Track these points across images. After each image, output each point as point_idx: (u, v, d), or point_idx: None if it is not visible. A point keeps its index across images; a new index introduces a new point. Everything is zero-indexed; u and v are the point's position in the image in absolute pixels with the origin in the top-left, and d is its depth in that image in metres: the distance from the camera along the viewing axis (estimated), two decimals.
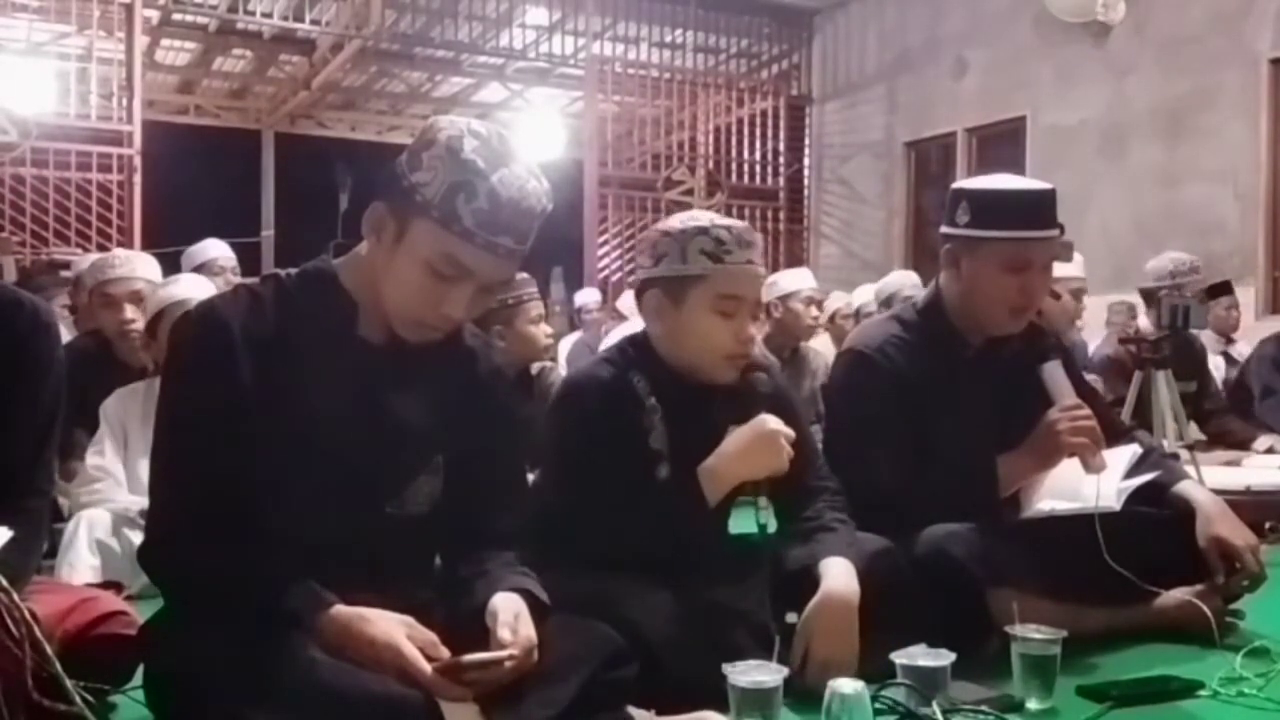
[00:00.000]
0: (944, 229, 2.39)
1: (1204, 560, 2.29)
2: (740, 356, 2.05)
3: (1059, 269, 4.90)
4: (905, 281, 5.62)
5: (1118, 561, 2.17)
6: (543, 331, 3.55)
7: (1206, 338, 4.99)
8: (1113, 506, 2.18)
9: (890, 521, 2.16)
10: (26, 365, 1.66)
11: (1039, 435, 2.24)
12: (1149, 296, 4.22)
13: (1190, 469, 3.43)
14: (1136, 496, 2.28)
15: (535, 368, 3.72)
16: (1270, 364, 4.61)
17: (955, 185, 2.42)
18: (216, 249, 5.09)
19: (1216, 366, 4.89)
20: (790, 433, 2.00)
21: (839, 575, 1.94)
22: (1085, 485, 2.20)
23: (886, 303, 5.28)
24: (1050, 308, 3.96)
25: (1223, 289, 4.21)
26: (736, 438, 2.00)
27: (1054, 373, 2.29)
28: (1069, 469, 2.29)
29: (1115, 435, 2.41)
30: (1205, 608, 2.23)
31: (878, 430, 2.29)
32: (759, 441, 1.98)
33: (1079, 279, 4.15)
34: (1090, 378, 3.32)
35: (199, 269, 4.68)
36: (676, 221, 2.06)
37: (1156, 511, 2.36)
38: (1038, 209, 2.30)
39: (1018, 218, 2.28)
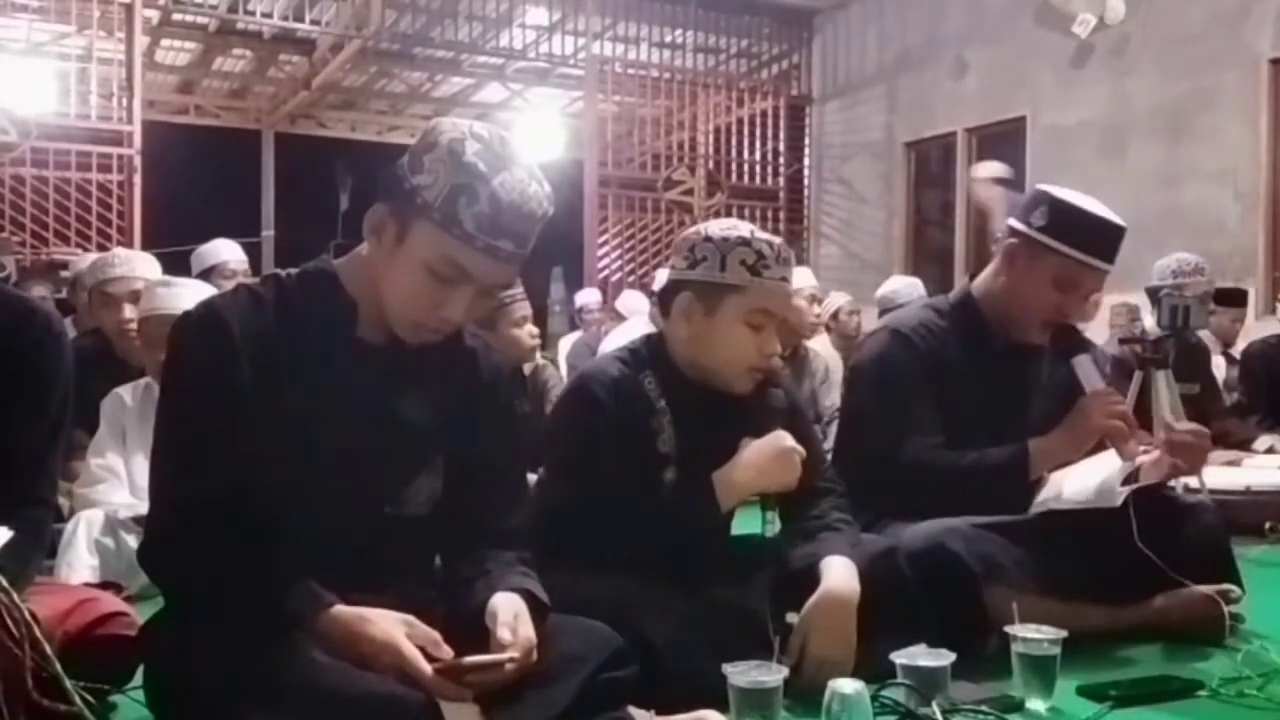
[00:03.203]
0: (1013, 224, 2.41)
1: (1209, 558, 2.29)
2: (761, 370, 2.06)
3: None
4: (901, 284, 5.64)
5: (1126, 558, 2.19)
6: (528, 333, 3.53)
7: (1206, 338, 4.99)
8: (1113, 503, 2.19)
9: (909, 501, 2.17)
10: (36, 373, 1.66)
11: (1072, 418, 2.27)
12: (1153, 295, 4.23)
13: None
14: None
15: (528, 368, 3.71)
16: (1249, 376, 4.62)
17: (1040, 187, 2.44)
18: (229, 251, 4.74)
19: (1217, 366, 4.88)
20: (803, 451, 2.01)
21: (839, 574, 1.94)
22: (1087, 481, 2.22)
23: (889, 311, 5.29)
24: None
25: (1236, 299, 4.20)
26: (754, 451, 2.00)
27: (1085, 364, 2.33)
28: (1072, 469, 2.30)
29: None
30: (1219, 603, 2.24)
31: (908, 405, 2.31)
32: (776, 458, 1.99)
33: None
34: None
35: (209, 271, 4.48)
36: (718, 228, 2.06)
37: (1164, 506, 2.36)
38: (1109, 240, 2.34)
39: (1089, 241, 2.31)
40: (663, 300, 2.12)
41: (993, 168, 6.34)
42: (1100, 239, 2.32)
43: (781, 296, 2.07)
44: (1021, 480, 2.28)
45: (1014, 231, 2.39)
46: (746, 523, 2.13)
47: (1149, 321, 4.29)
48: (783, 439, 2.00)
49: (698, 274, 2.03)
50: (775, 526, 2.00)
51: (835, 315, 5.99)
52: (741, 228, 2.06)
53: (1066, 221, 2.32)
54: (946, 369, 2.34)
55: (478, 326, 3.22)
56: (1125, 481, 2.25)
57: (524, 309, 3.51)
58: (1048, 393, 2.36)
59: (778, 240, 2.07)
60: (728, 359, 2.04)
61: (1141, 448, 2.34)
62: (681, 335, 2.07)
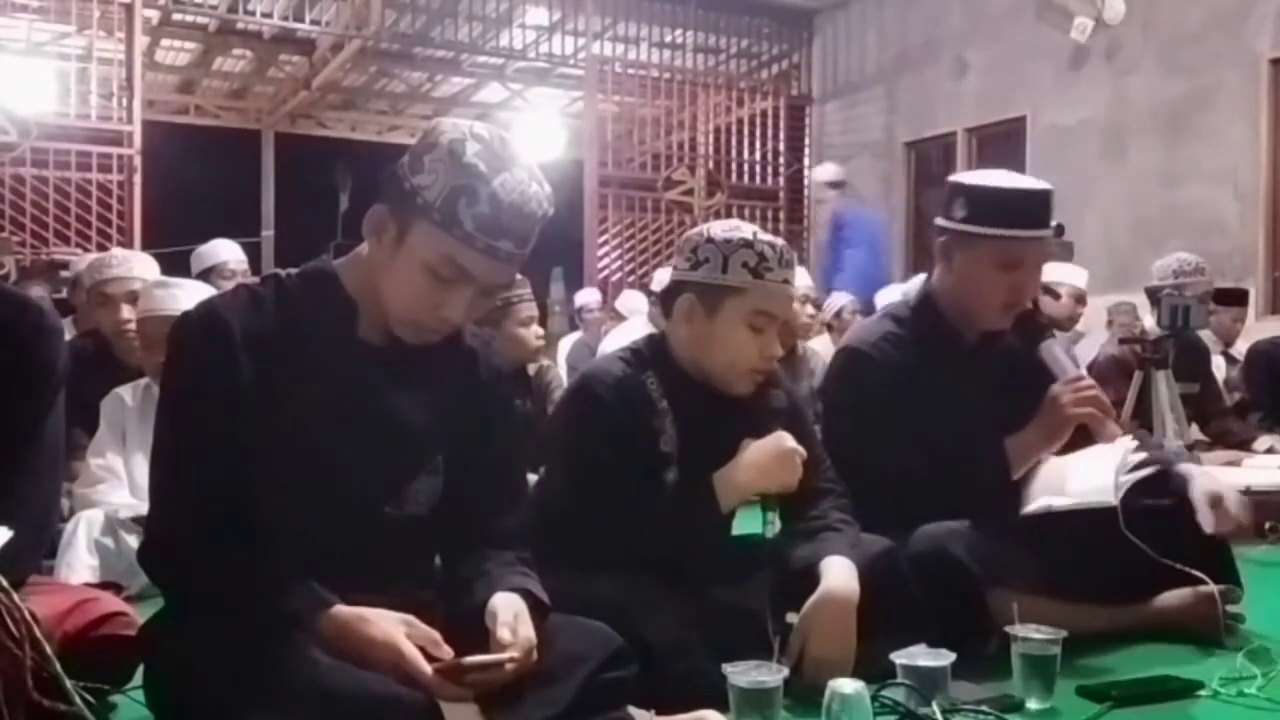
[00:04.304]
0: (939, 222, 2.41)
1: (1209, 558, 2.29)
2: (763, 372, 2.06)
3: (1061, 271, 4.95)
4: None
5: (1126, 557, 2.18)
6: (533, 334, 3.53)
7: (1206, 338, 5.00)
8: (1110, 501, 2.18)
9: (896, 516, 2.16)
10: (29, 368, 1.66)
11: (1045, 410, 2.25)
12: (1153, 295, 4.23)
13: None
14: (1143, 491, 2.28)
15: (532, 368, 3.71)
16: (1252, 375, 4.63)
17: (952, 179, 2.43)
18: (228, 251, 4.74)
19: (1217, 366, 4.90)
20: (804, 452, 2.01)
21: (839, 575, 1.94)
22: (1084, 480, 2.21)
23: None
24: (1049, 307, 3.99)
25: (1236, 299, 4.21)
26: (755, 452, 2.00)
27: (1052, 349, 2.31)
28: (1066, 464, 2.30)
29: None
30: (1218, 603, 2.24)
31: (879, 424, 2.29)
32: (777, 458, 1.99)
33: (1079, 287, 4.21)
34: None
35: (209, 271, 4.49)
36: (720, 230, 2.06)
37: (1166, 503, 2.36)
38: (1034, 208, 2.31)
39: (1014, 216, 2.29)
40: (664, 301, 2.12)
41: (827, 171, 6.56)
42: (1025, 209, 2.30)
43: (783, 299, 2.06)
44: (1004, 481, 2.27)
45: (942, 229, 2.39)
46: (746, 523, 2.13)
47: (1148, 321, 4.29)
48: (784, 440, 2.01)
49: (700, 275, 2.03)
50: (775, 527, 2.00)
51: (839, 314, 5.98)
52: (744, 229, 2.05)
53: (986, 205, 2.30)
54: (914, 377, 2.31)
55: (482, 324, 3.24)
56: (1129, 473, 2.25)
57: (530, 309, 3.50)
58: (1022, 383, 2.34)
59: (780, 242, 2.07)
60: (729, 361, 2.04)
61: (1132, 440, 2.33)
62: (683, 336, 2.07)
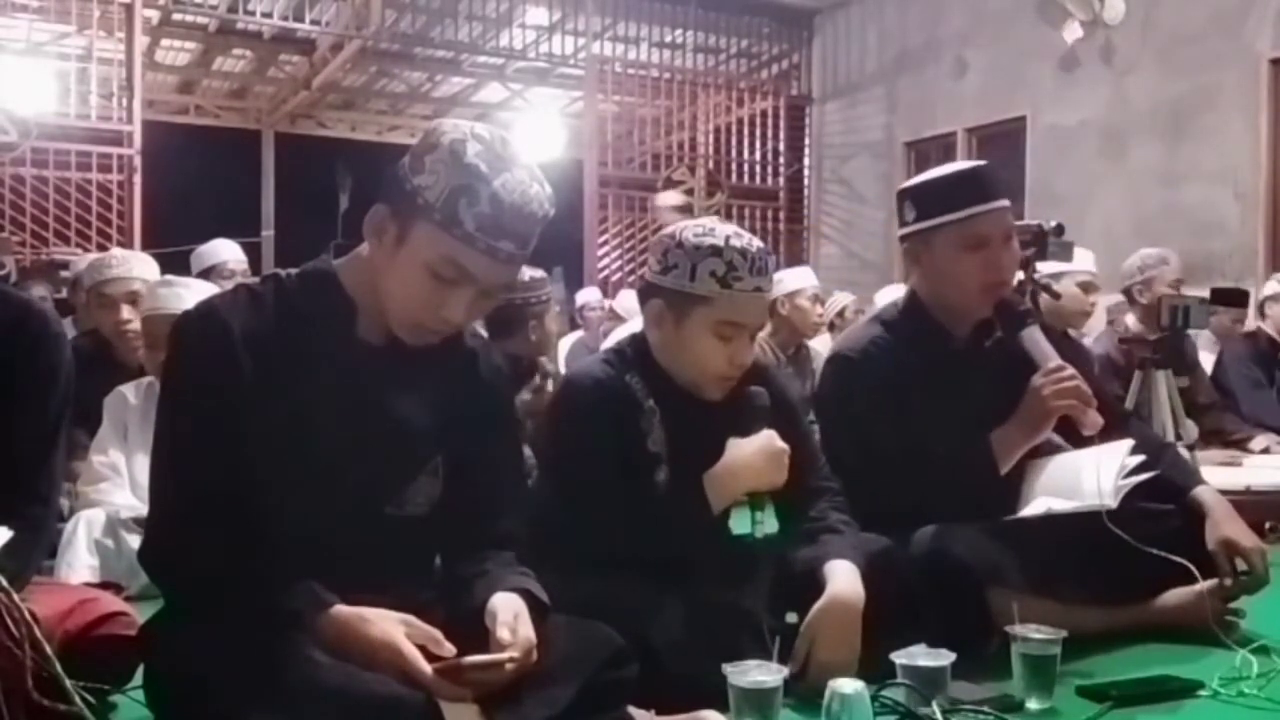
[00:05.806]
0: (899, 232, 2.45)
1: (1208, 558, 2.29)
2: (730, 379, 2.04)
3: (1065, 263, 4.88)
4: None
5: (1125, 559, 2.17)
6: (559, 330, 3.62)
7: (1205, 338, 4.99)
8: (1109, 504, 2.17)
9: (894, 518, 2.16)
10: (36, 373, 1.67)
11: (1026, 402, 2.26)
12: (1128, 294, 4.24)
13: None
14: (1148, 494, 2.28)
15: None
16: (1248, 361, 4.62)
17: (898, 189, 2.47)
18: (228, 250, 4.76)
19: (1208, 366, 4.89)
20: (787, 449, 2.00)
21: (844, 579, 1.94)
22: (1083, 483, 2.21)
23: None
24: (1062, 301, 3.97)
25: (1236, 299, 4.20)
26: (742, 452, 1.99)
27: (1033, 336, 2.31)
28: (1066, 466, 2.29)
29: (1113, 420, 2.41)
30: (1214, 604, 2.24)
31: (872, 429, 2.29)
32: (764, 458, 1.98)
33: (1088, 273, 4.17)
34: None
35: (208, 271, 4.49)
36: (691, 234, 2.00)
37: (1163, 506, 2.36)
38: (977, 184, 2.34)
39: (957, 198, 2.32)
40: (640, 301, 2.11)
41: (671, 197, 6.95)
42: (965, 189, 2.33)
43: (753, 307, 2.01)
44: (992, 476, 2.26)
45: (903, 238, 2.42)
46: (745, 522, 2.13)
47: (1130, 320, 4.29)
48: (771, 439, 1.99)
49: (669, 281, 2.01)
50: (765, 526, 1.99)
51: (841, 314, 5.99)
52: (717, 234, 1.99)
53: (930, 198, 2.35)
54: (903, 379, 2.31)
55: (528, 320, 3.31)
56: (1128, 477, 2.24)
57: (554, 306, 3.59)
58: (1016, 377, 2.33)
59: (755, 247, 2.00)
60: (697, 368, 2.03)
61: (1131, 441, 2.32)
62: (656, 340, 2.07)
